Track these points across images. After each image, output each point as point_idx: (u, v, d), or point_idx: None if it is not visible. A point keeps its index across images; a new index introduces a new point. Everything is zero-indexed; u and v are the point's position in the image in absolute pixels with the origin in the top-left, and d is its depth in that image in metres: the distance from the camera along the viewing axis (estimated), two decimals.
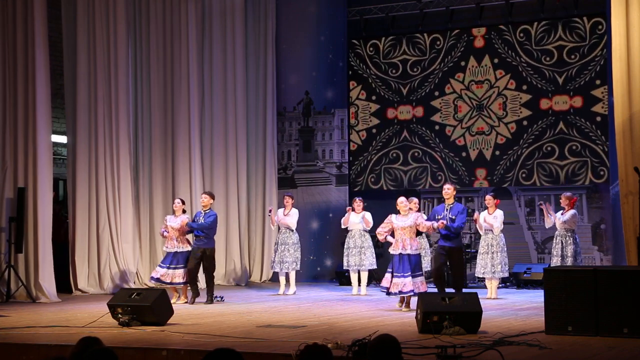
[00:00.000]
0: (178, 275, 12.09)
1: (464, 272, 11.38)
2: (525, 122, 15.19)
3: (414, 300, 11.18)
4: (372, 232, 13.79)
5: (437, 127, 15.84)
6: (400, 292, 10.79)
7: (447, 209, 11.29)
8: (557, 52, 15.01)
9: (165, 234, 12.35)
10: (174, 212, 12.54)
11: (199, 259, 12.14)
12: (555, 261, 12.07)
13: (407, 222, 10.89)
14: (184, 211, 12.45)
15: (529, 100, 15.19)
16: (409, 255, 10.80)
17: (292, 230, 13.54)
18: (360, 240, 13.59)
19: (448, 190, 11.47)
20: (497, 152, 15.38)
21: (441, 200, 15.76)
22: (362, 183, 16.41)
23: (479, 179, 15.54)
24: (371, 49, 16.40)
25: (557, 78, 14.95)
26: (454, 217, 11.13)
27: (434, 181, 15.80)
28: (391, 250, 10.98)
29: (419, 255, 10.94)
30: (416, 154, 15.98)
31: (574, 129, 14.80)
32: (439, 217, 11.21)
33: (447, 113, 15.78)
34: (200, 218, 12.24)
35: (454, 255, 11.35)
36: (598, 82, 14.59)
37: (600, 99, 14.57)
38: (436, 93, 15.90)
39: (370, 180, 16.34)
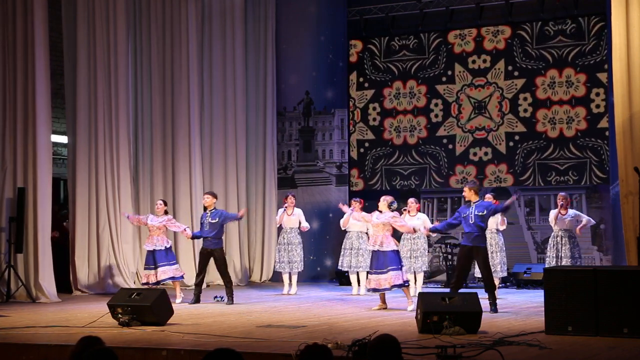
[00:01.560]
0: (161, 272, 12.09)
1: (466, 271, 11.15)
2: (517, 137, 15.20)
3: (390, 298, 11.35)
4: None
5: (445, 141, 15.78)
6: (375, 290, 10.99)
7: (472, 207, 10.81)
8: (559, 50, 15.04)
9: (127, 216, 12.83)
10: (156, 213, 12.55)
11: (206, 259, 12.15)
12: (566, 262, 12.01)
13: (380, 219, 11.08)
14: (165, 212, 12.48)
15: (525, 83, 15.19)
16: (384, 252, 10.94)
17: (299, 231, 13.70)
18: (357, 242, 13.58)
19: (464, 193, 11.14)
20: (511, 144, 15.32)
21: (441, 200, 15.86)
22: (380, 181, 16.32)
23: (456, 175, 15.56)
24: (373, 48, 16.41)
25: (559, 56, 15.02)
26: (481, 214, 10.69)
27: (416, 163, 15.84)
28: (368, 246, 11.19)
29: (393, 252, 10.98)
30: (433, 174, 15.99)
31: (580, 150, 14.85)
32: (464, 215, 10.88)
33: (451, 123, 15.72)
34: (207, 219, 12.14)
35: (461, 253, 11.08)
36: (604, 65, 14.54)
37: (604, 84, 14.50)
38: (443, 79, 15.87)
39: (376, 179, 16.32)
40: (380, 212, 11.18)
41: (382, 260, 10.92)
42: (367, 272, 11.23)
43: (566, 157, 14.90)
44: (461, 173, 15.61)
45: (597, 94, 14.71)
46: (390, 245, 10.98)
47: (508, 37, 15.38)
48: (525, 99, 15.26)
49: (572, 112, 14.88)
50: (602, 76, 14.60)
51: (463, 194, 11.08)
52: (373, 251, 11.07)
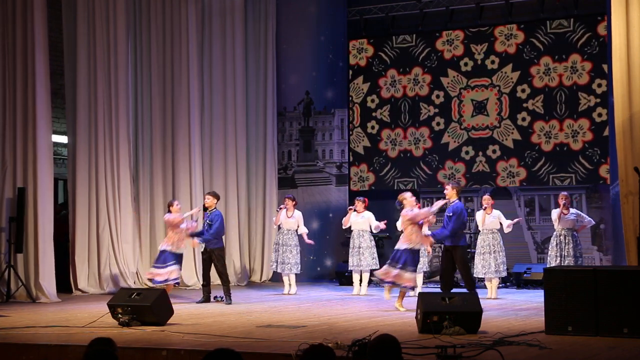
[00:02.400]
0: (164, 273, 12.07)
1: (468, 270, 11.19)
2: (511, 145, 15.22)
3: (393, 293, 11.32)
4: (374, 233, 13.77)
5: (451, 150, 15.69)
6: (393, 283, 10.88)
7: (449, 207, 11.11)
8: (558, 51, 15.05)
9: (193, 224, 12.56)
10: (169, 211, 12.45)
11: (208, 260, 12.17)
12: (569, 261, 12.03)
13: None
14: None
15: (520, 75, 15.19)
16: (418, 250, 11.02)
17: (296, 232, 13.70)
18: (358, 241, 13.54)
19: (445, 191, 11.30)
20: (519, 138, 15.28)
21: (440, 199, 15.83)
22: (390, 180, 16.22)
23: (445, 169, 15.58)
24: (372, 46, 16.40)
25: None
26: (449, 215, 11.00)
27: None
28: (407, 245, 10.94)
29: (406, 250, 10.82)
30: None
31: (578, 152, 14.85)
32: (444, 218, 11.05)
33: (454, 128, 15.69)
34: (207, 220, 12.19)
35: (442, 254, 11.26)
36: (604, 62, 14.50)
37: (605, 74, 14.44)
38: (452, 70, 15.82)
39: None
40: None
41: (413, 258, 10.88)
42: (396, 267, 10.89)
43: (563, 170, 14.87)
44: (450, 168, 15.60)
45: (599, 85, 14.67)
46: (411, 243, 10.97)
47: (520, 42, 15.23)
48: (523, 90, 15.24)
49: (575, 125, 14.83)
50: (606, 67, 14.54)
51: (445, 191, 11.23)
52: (410, 249, 10.85)
